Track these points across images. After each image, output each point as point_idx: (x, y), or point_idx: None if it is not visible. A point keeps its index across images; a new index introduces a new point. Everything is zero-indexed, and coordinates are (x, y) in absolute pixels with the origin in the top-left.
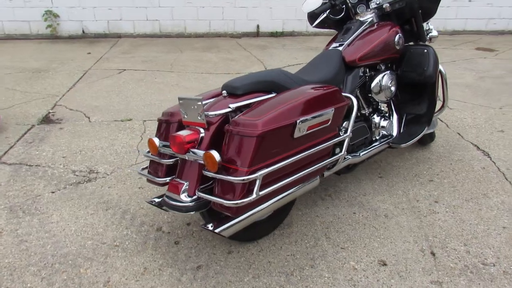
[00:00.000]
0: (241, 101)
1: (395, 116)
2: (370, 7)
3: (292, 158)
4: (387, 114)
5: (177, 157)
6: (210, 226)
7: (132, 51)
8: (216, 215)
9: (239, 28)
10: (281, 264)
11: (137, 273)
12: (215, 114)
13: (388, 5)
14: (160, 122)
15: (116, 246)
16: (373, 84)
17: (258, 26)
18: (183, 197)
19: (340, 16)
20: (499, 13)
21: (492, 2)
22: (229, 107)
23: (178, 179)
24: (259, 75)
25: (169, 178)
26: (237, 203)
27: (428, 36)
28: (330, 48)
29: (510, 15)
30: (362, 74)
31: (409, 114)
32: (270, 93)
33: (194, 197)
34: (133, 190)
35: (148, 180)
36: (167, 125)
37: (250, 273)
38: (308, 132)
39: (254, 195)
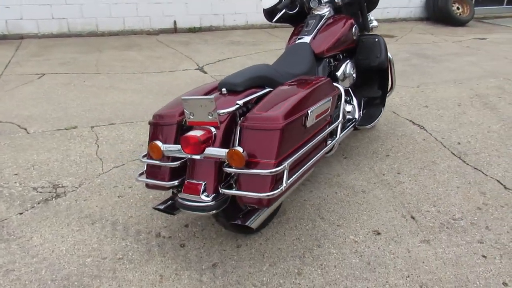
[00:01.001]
0: (244, 97)
1: (355, 101)
2: (323, 2)
3: (306, 146)
4: (348, 99)
5: (183, 159)
6: (238, 221)
7: (44, 53)
8: (230, 211)
9: (156, 25)
10: (291, 249)
11: (155, 282)
12: (226, 112)
13: (340, 0)
14: (156, 125)
15: (120, 258)
16: (339, 73)
17: (175, 22)
18: (204, 197)
19: (295, 10)
20: (391, 3)
21: None
22: (238, 104)
23: (192, 180)
24: (253, 71)
25: (177, 181)
26: (270, 195)
27: (370, 26)
28: (296, 42)
29: (399, 4)
30: (327, 64)
31: (366, 97)
32: (263, 87)
33: (213, 195)
34: (113, 199)
35: (150, 186)
36: (166, 128)
37: (266, 262)
38: (316, 120)
39: (284, 185)
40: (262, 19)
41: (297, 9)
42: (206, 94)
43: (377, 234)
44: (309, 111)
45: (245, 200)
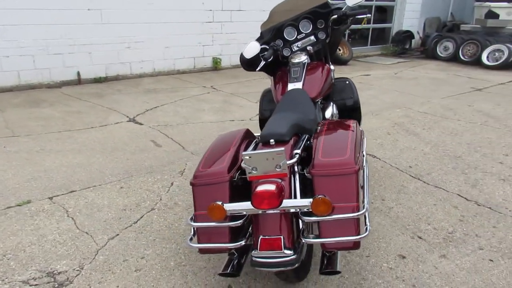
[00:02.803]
0: (295, 146)
1: None
2: (293, 50)
3: (366, 184)
4: None
5: (244, 217)
6: (329, 269)
7: None
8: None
9: (57, 77)
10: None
11: None
12: (292, 163)
13: (311, 47)
14: (203, 185)
15: None
16: (328, 114)
17: (78, 73)
18: (287, 251)
19: (270, 59)
20: None
21: None
22: (298, 154)
23: (267, 236)
24: (289, 119)
25: (244, 240)
26: (363, 237)
27: None
28: (289, 88)
29: None
30: (320, 107)
31: None
32: (300, 134)
33: (293, 248)
34: (132, 275)
35: (206, 250)
36: (217, 186)
37: None
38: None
39: (368, 224)
40: (168, 66)
41: (271, 58)
42: (238, 145)
43: (403, 258)
44: (364, 152)
45: (331, 246)
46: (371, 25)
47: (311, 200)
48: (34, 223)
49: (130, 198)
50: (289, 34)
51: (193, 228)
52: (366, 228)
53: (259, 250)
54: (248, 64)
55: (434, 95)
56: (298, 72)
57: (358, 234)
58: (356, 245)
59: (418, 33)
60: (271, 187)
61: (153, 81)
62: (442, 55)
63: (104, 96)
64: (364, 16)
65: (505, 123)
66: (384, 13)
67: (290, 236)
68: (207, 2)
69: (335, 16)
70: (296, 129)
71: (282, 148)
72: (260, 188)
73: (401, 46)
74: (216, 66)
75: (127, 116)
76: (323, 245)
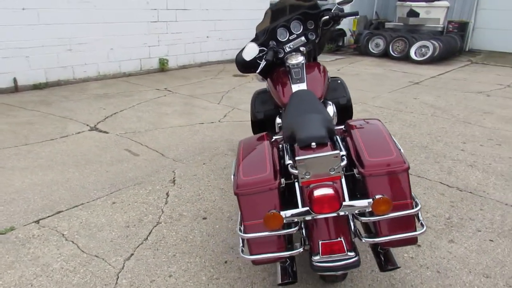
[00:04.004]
0: (335, 148)
1: None
2: (285, 51)
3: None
4: None
5: (299, 223)
6: (392, 267)
7: None
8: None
9: None
10: (379, 283)
11: None
12: (344, 165)
13: (304, 48)
14: (250, 194)
15: None
16: (330, 113)
17: (15, 80)
18: (350, 253)
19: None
20: (228, 45)
21: (222, 37)
22: (344, 155)
23: (327, 240)
24: (320, 121)
25: (301, 247)
26: (423, 231)
27: None
28: (294, 89)
29: (234, 47)
30: None
31: None
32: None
33: (354, 250)
34: None
35: (261, 261)
36: (267, 194)
37: None
38: None
39: (421, 219)
40: (114, 69)
41: (272, 59)
42: (271, 150)
43: (419, 246)
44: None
45: (393, 244)
46: None
47: (370, 200)
48: (29, 252)
49: (129, 213)
50: (281, 35)
51: (243, 239)
52: (421, 223)
53: (322, 255)
54: (246, 66)
55: (381, 90)
56: (299, 73)
57: (415, 230)
58: (415, 240)
59: (350, 30)
60: (329, 190)
61: (100, 85)
62: (374, 52)
63: (52, 104)
64: (355, 17)
65: (451, 113)
66: None
67: (349, 237)
68: (152, 1)
69: (326, 17)
70: (329, 131)
71: (338, 151)
72: (319, 192)
73: (335, 44)
74: (163, 67)
75: (87, 125)
76: (381, 243)
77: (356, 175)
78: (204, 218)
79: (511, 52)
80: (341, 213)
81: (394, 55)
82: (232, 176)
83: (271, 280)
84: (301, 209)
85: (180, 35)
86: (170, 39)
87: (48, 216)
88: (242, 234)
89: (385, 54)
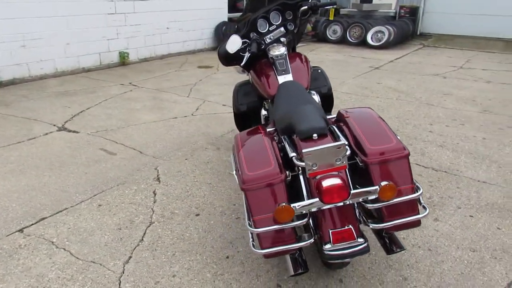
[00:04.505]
0: (336, 138)
1: None
2: (266, 42)
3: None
4: None
5: (308, 214)
6: (399, 250)
7: None
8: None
9: None
10: (378, 266)
11: None
12: (349, 154)
13: (285, 39)
14: (257, 189)
15: None
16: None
17: None
18: (360, 239)
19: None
20: (188, 36)
21: (182, 28)
22: (347, 145)
23: (336, 229)
24: (315, 111)
25: (311, 238)
26: (426, 213)
27: None
28: (280, 80)
29: (195, 37)
30: None
31: None
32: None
33: (362, 235)
34: None
35: (272, 254)
36: (273, 188)
37: (374, 278)
38: None
39: (423, 202)
40: (72, 64)
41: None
42: (270, 143)
43: None
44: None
45: (398, 228)
46: None
47: (376, 187)
48: (19, 263)
49: (118, 215)
50: (261, 26)
51: (253, 234)
52: (423, 206)
53: (333, 243)
54: (229, 59)
55: (345, 76)
56: (284, 64)
57: (418, 213)
58: (418, 223)
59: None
60: (337, 180)
61: (59, 82)
62: (332, 38)
63: (10, 105)
64: (332, 6)
65: (414, 96)
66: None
67: (356, 224)
68: None
69: (305, 7)
70: (325, 121)
71: (344, 142)
72: (327, 183)
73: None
74: (123, 61)
75: (54, 125)
76: (388, 228)
77: (360, 164)
78: (197, 215)
79: (458, 34)
80: (348, 202)
81: (352, 41)
82: (234, 172)
83: (275, 272)
84: (311, 200)
85: (139, 27)
86: (129, 32)
87: (32, 224)
88: (252, 228)
89: (342, 41)
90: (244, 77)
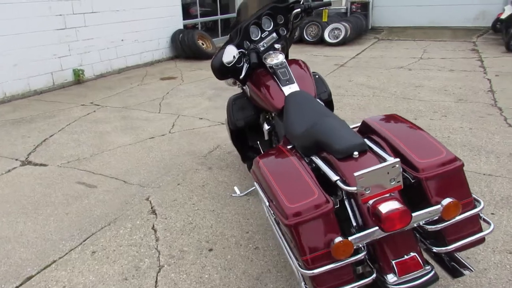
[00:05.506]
0: (377, 154)
1: None
2: (260, 50)
3: None
4: None
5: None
6: (468, 272)
7: None
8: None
9: None
10: None
11: None
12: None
13: (279, 45)
14: (305, 222)
15: None
16: None
17: None
18: (427, 266)
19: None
20: (145, 48)
21: (138, 39)
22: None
23: (400, 258)
24: (346, 125)
25: (374, 273)
26: (492, 229)
27: None
28: (286, 92)
29: (151, 48)
30: None
31: None
32: None
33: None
34: None
35: None
36: (322, 220)
37: None
38: None
39: (483, 215)
40: (22, 87)
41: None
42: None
43: None
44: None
45: (462, 248)
46: (219, 16)
47: (439, 206)
48: None
49: (119, 262)
50: (253, 33)
51: (303, 276)
52: (486, 220)
53: (399, 276)
54: (224, 72)
55: None
56: (286, 74)
57: (481, 228)
58: (483, 240)
59: None
60: (397, 204)
61: (11, 108)
62: None
63: None
64: (326, 7)
65: (389, 91)
66: (226, 4)
67: (419, 250)
68: (55, 6)
69: (298, 10)
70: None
71: (398, 159)
72: (385, 208)
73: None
74: (79, 78)
75: (17, 159)
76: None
77: (412, 180)
78: (210, 250)
79: (407, 26)
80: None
81: (309, 39)
82: (267, 204)
83: None
84: (369, 230)
85: (92, 41)
86: (82, 47)
87: (18, 287)
88: (307, 271)
89: (300, 40)
90: (236, 89)
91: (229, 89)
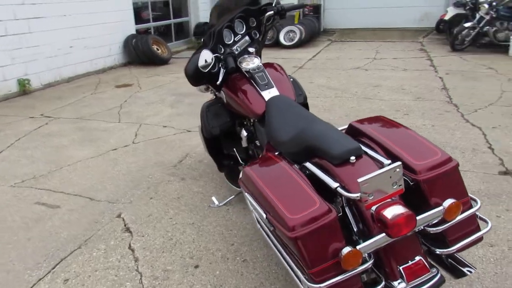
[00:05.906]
0: (373, 158)
1: None
2: (234, 52)
3: None
4: None
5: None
6: (470, 271)
7: None
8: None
9: None
10: None
11: None
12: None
13: (253, 49)
14: (311, 233)
15: None
16: None
17: None
18: (434, 270)
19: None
20: (96, 54)
21: (88, 45)
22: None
23: (407, 263)
24: (336, 130)
25: (382, 281)
26: (490, 227)
27: None
28: (265, 96)
29: (102, 54)
30: None
31: None
32: None
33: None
34: None
35: None
36: (327, 228)
37: None
38: None
39: (479, 214)
40: None
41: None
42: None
43: None
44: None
45: (465, 247)
46: (172, 20)
47: (441, 208)
48: None
49: None
50: (226, 37)
51: None
52: (482, 219)
53: (408, 281)
54: (199, 77)
55: None
56: (264, 78)
57: (479, 227)
58: (481, 239)
59: None
60: (401, 209)
61: None
62: None
63: None
64: (299, 10)
65: (350, 92)
66: (178, 7)
67: (423, 253)
68: None
69: (271, 12)
70: None
71: (399, 162)
72: (390, 213)
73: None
74: (24, 89)
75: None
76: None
77: (411, 183)
78: (196, 267)
79: (358, 27)
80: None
81: (265, 42)
82: (264, 216)
83: None
84: (376, 237)
85: (38, 48)
86: (27, 55)
87: None
88: (314, 285)
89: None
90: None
91: (191, 95)
